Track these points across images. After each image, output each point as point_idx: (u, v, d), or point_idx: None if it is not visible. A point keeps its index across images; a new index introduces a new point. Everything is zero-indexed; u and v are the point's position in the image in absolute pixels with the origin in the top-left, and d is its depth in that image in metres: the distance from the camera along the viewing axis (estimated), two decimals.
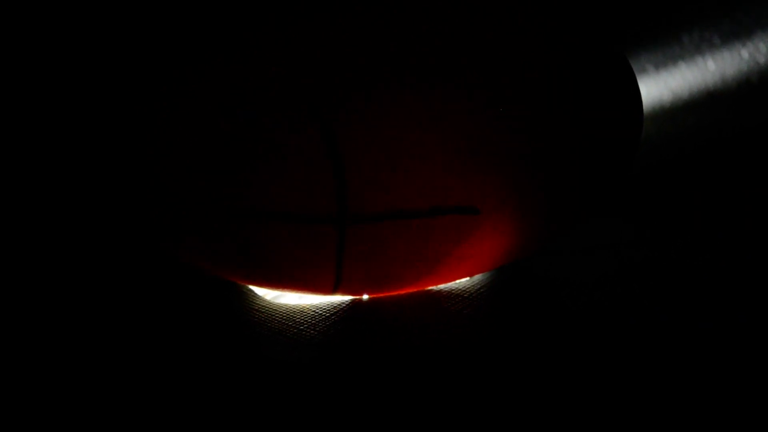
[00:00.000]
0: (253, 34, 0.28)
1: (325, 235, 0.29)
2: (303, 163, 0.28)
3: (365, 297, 0.35)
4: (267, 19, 0.28)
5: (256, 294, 0.37)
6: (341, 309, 0.34)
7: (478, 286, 0.37)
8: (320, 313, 0.34)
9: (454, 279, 0.36)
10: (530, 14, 0.31)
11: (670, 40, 0.50)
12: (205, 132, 0.28)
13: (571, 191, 0.33)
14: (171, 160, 0.28)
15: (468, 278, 0.39)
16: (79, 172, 0.32)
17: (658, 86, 0.51)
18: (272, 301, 0.36)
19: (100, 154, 0.29)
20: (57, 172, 0.35)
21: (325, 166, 0.28)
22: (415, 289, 0.36)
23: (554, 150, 0.31)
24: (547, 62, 0.30)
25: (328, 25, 0.28)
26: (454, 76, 0.28)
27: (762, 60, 0.47)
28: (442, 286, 0.37)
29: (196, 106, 0.28)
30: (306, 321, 0.33)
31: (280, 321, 0.33)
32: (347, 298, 0.35)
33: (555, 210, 0.34)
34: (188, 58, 0.28)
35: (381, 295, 0.35)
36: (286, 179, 0.28)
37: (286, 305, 0.35)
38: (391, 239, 0.30)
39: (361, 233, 0.30)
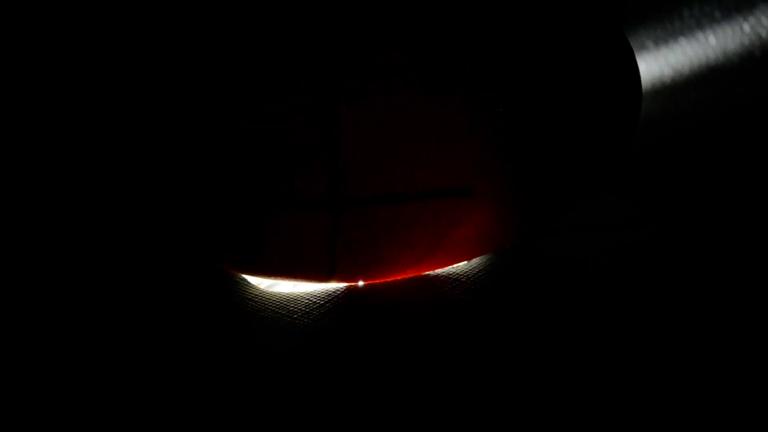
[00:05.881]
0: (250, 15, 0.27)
1: (317, 220, 0.29)
2: (295, 146, 0.27)
3: (361, 284, 0.35)
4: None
5: (249, 283, 0.36)
6: (336, 296, 0.33)
7: (477, 270, 0.37)
8: (314, 301, 0.33)
9: (452, 263, 0.36)
10: None
11: (670, 14, 0.49)
12: (192, 109, 0.27)
13: (569, 171, 0.33)
14: (159, 140, 0.28)
15: (466, 262, 0.38)
16: (69, 157, 0.31)
17: (659, 62, 0.50)
18: (266, 290, 0.35)
19: (92, 132, 0.29)
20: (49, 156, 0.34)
21: (318, 149, 0.27)
22: (412, 275, 0.35)
23: (551, 129, 0.30)
24: (543, 39, 0.30)
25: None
26: (446, 53, 0.28)
27: (764, 33, 0.45)
28: (439, 271, 0.36)
29: (186, 90, 0.27)
30: (300, 309, 0.32)
31: (273, 310, 0.32)
32: (342, 285, 0.35)
33: (553, 190, 0.33)
34: (180, 40, 0.27)
35: (377, 281, 0.35)
36: (276, 162, 0.27)
37: (279, 293, 0.34)
38: (386, 224, 0.30)
39: (354, 218, 0.29)
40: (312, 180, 0.28)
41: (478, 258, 0.39)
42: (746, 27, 0.47)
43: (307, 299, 0.33)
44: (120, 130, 0.27)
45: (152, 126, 0.27)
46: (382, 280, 0.35)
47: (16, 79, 0.30)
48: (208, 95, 0.26)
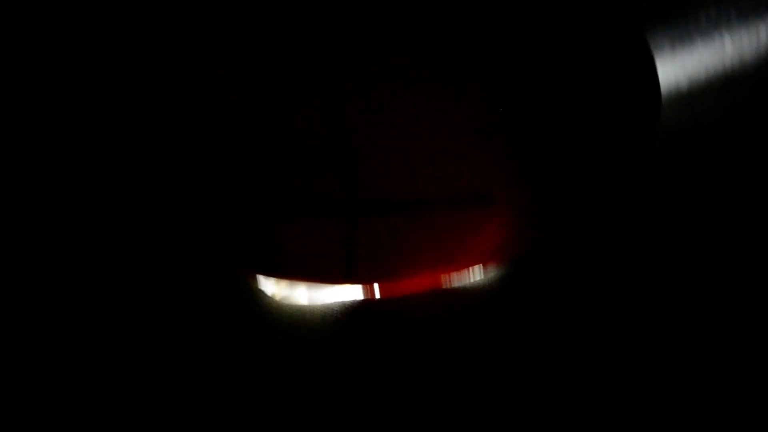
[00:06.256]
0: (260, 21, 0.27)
1: (336, 227, 0.29)
2: (315, 157, 0.27)
3: (377, 295, 0.35)
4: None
5: (265, 293, 0.36)
6: (352, 308, 0.33)
7: (491, 279, 0.37)
8: (330, 313, 0.33)
9: (467, 271, 0.36)
10: None
11: (686, 18, 0.48)
12: (208, 119, 0.27)
13: (587, 180, 0.32)
14: (159, 140, 0.28)
15: (481, 270, 0.38)
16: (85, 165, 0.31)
17: (674, 68, 0.49)
18: (281, 300, 0.35)
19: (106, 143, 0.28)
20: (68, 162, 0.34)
21: (336, 158, 0.27)
22: (428, 281, 0.35)
23: (568, 138, 0.30)
24: (562, 44, 0.29)
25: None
26: (464, 60, 0.27)
27: None
28: (453, 281, 0.36)
29: (186, 90, 0.27)
30: (315, 320, 0.32)
31: (288, 321, 0.32)
32: (358, 296, 0.35)
33: (570, 199, 0.33)
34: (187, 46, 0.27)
35: (393, 286, 0.35)
36: (295, 171, 0.27)
37: (295, 304, 0.34)
38: (403, 231, 0.30)
39: (371, 225, 0.29)
40: (330, 188, 0.28)
41: (493, 266, 0.38)
42: (763, 32, 0.46)
43: (323, 310, 0.33)
44: (120, 129, 0.27)
45: (152, 126, 0.27)
46: (399, 287, 0.35)
47: (17, 79, 0.30)
48: (207, 95, 0.26)
